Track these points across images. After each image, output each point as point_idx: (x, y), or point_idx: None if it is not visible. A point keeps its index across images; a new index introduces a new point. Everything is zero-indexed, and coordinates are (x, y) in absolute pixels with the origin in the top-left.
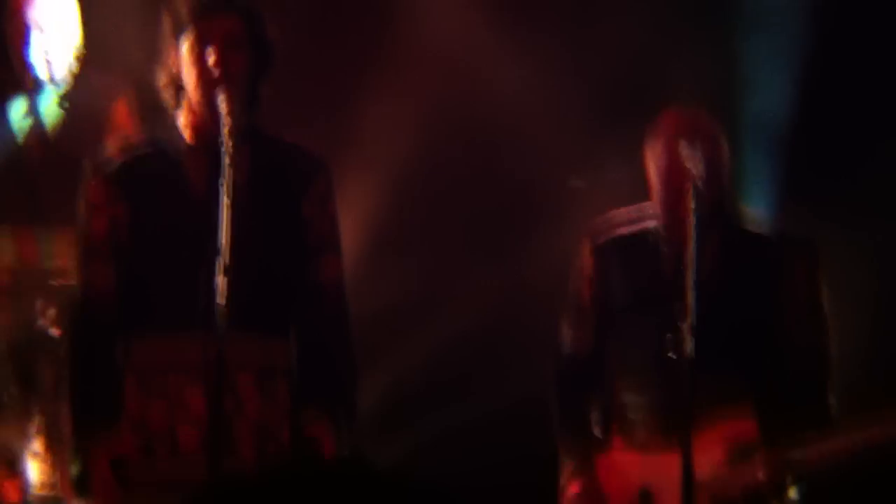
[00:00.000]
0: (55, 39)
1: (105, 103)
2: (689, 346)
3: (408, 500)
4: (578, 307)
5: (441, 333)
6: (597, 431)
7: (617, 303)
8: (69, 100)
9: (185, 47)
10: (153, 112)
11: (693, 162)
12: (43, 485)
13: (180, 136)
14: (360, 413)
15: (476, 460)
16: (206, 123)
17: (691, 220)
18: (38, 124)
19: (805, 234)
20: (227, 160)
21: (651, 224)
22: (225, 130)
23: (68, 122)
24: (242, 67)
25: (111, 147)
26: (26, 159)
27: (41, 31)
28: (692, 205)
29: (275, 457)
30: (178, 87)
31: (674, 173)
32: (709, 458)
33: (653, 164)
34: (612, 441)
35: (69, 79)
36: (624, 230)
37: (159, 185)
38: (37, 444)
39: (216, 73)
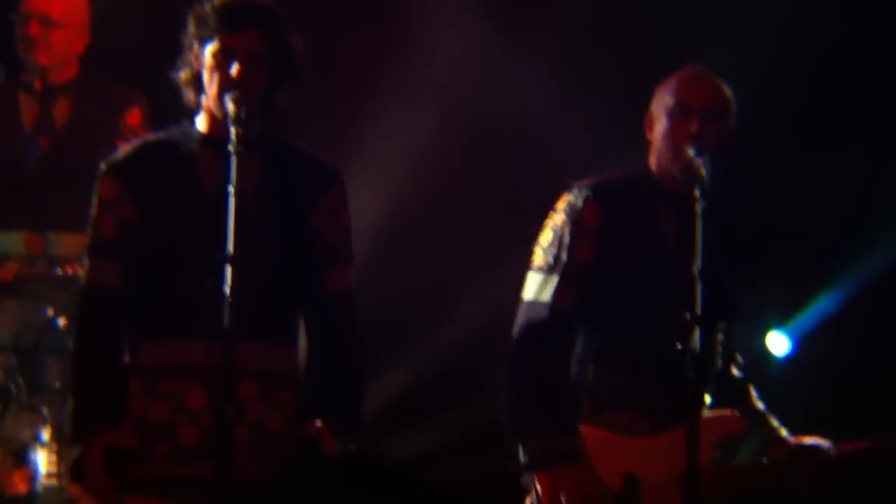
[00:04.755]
0: (66, 43)
1: (117, 110)
2: (695, 336)
3: (413, 501)
4: (573, 260)
5: (444, 337)
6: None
7: (618, 265)
8: (80, 104)
9: (208, 55)
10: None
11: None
12: (50, 475)
13: (196, 135)
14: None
15: (478, 463)
16: (222, 127)
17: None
18: (48, 127)
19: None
20: (233, 165)
21: (644, 169)
22: (233, 135)
23: (79, 127)
24: (262, 80)
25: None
26: (35, 162)
27: (52, 34)
28: (698, 207)
29: (279, 464)
30: (198, 87)
31: (679, 145)
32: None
33: (658, 129)
34: (588, 419)
35: (80, 83)
36: (618, 174)
37: (169, 184)
38: (44, 435)
39: (237, 84)
